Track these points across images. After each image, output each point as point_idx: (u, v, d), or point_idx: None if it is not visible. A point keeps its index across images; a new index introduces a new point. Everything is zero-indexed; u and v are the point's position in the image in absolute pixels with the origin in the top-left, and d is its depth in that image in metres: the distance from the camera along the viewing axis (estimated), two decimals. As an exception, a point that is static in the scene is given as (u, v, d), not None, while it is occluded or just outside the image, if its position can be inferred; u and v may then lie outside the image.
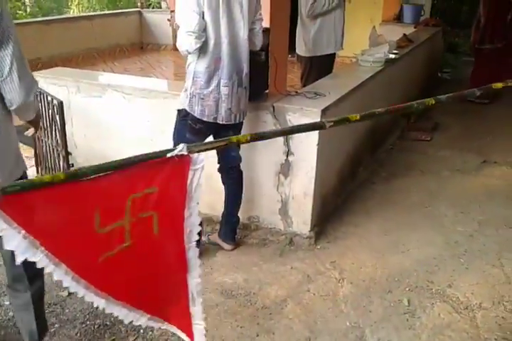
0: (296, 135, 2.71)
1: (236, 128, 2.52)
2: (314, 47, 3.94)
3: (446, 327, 2.23)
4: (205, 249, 2.75)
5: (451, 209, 3.28)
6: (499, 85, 1.33)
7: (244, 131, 2.79)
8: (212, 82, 2.34)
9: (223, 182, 2.71)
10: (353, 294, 2.42)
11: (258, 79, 2.75)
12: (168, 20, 7.48)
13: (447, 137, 4.63)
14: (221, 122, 2.42)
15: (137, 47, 8.08)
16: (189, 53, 2.31)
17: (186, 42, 2.25)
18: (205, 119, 2.39)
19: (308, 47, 3.95)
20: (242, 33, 2.35)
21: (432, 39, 5.86)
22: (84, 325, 2.20)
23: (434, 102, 1.27)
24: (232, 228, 2.76)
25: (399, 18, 6.78)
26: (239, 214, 2.81)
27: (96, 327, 2.20)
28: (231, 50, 2.34)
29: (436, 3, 9.53)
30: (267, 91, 2.92)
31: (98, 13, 8.81)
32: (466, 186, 3.62)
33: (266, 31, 2.78)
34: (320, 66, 3.97)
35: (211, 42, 2.29)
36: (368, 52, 3.88)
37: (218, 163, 2.67)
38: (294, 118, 2.73)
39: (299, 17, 3.94)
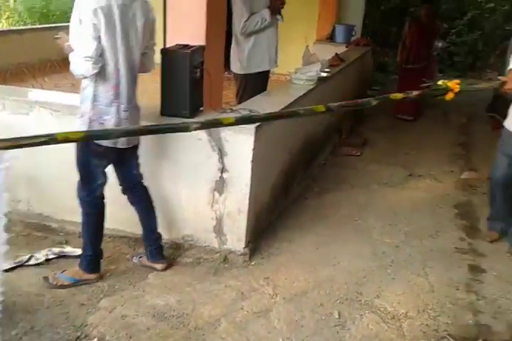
0: (231, 152, 2.75)
1: (136, 149, 2.55)
2: (249, 65, 4.02)
3: (374, 337, 2.30)
4: (137, 271, 2.70)
5: (380, 221, 3.42)
6: (399, 96, 1.38)
7: (180, 148, 2.80)
8: (113, 107, 2.34)
9: (131, 203, 2.67)
10: (285, 309, 2.45)
11: (193, 97, 2.78)
12: (56, 38, 7.31)
13: (376, 152, 4.85)
14: (121, 147, 2.41)
15: (69, 62, 7.86)
16: (85, 78, 2.30)
17: (83, 67, 2.23)
18: (104, 144, 2.35)
19: (243, 65, 4.02)
20: (137, 58, 2.39)
21: (362, 58, 6.13)
22: None
23: (324, 109, 1.30)
24: (156, 246, 2.71)
25: (332, 38, 7.02)
26: (169, 233, 2.78)
27: None
28: (129, 75, 2.36)
29: (367, 23, 10.02)
30: (202, 108, 2.94)
31: (29, 27, 8.53)
32: (393, 199, 3.80)
33: (201, 48, 2.84)
34: (255, 83, 4.05)
35: (109, 67, 2.29)
36: (300, 70, 4.00)
37: (120, 184, 2.63)
38: (229, 135, 2.75)
39: (233, 35, 4.02)
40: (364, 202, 3.69)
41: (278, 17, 4.08)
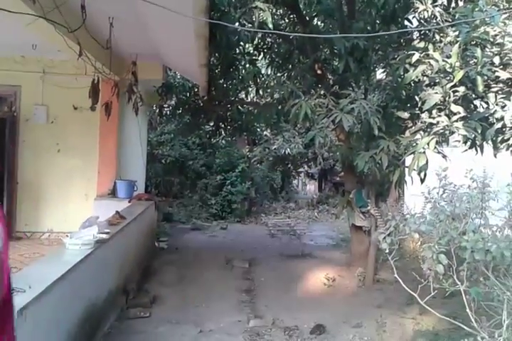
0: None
1: None
2: None
3: None
4: None
5: None
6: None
7: None
8: None
9: None
10: None
11: None
12: None
13: (166, 309, 4.69)
14: None
15: None
16: None
17: None
18: None
19: None
20: None
21: (145, 212, 6.27)
22: None
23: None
24: None
25: (114, 193, 7.09)
26: None
27: None
28: None
29: (151, 175, 10.59)
30: None
31: None
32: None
33: None
34: None
35: None
36: (76, 235, 3.85)
37: None
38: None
39: None
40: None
41: None
